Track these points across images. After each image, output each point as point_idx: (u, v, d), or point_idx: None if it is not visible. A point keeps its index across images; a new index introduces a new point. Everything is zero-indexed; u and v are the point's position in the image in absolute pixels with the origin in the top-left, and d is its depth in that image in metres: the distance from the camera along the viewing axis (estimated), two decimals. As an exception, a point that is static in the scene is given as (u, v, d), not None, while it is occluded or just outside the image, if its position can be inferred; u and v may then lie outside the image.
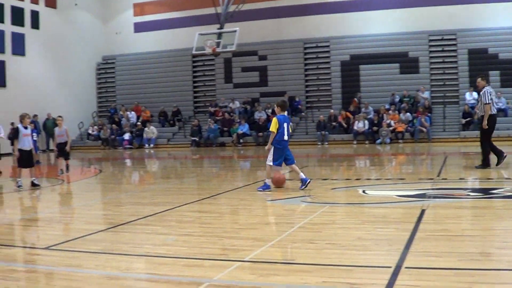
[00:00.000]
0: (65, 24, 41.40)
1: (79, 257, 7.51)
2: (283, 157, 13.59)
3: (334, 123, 34.71)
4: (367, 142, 33.01)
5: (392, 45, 36.49)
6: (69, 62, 41.63)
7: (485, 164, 16.54)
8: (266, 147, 13.92)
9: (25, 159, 16.21)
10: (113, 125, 39.96)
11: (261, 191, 13.29)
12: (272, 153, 13.60)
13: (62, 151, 20.28)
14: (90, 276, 6.59)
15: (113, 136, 39.11)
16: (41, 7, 39.31)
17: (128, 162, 28.72)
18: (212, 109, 39.31)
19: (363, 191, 12.85)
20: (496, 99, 16.90)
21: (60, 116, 21.14)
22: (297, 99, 37.65)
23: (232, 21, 34.89)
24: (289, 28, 39.26)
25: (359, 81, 36.92)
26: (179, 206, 11.62)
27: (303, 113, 37.01)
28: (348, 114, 35.03)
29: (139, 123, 39.53)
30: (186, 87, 42.11)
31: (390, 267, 6.21)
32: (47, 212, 12.44)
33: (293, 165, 13.73)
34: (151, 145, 37.58)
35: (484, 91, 16.29)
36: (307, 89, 38.92)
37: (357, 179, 15.55)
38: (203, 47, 33.88)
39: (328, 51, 38.34)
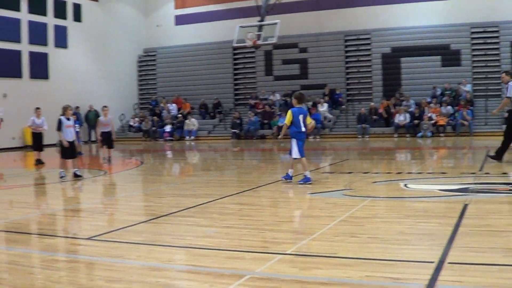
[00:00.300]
0: (107, 16, 41.70)
1: (121, 248, 7.57)
2: (303, 147, 13.67)
3: (374, 116, 34.50)
4: (408, 135, 32.74)
5: (434, 38, 36.12)
6: (111, 54, 41.95)
7: (499, 157, 16.60)
8: (279, 137, 14.70)
9: (68, 150, 16.36)
10: (154, 117, 40.18)
11: (301, 184, 13.24)
12: (294, 146, 13.66)
13: (107, 140, 20.62)
14: (131, 267, 6.64)
15: (154, 128, 39.30)
16: (83, 0, 39.61)
17: (169, 154, 28.86)
18: (252, 102, 39.30)
19: (405, 185, 12.76)
20: None
21: (105, 106, 21.53)
22: (337, 92, 37.48)
23: (273, 13, 34.84)
24: (330, 20, 39.08)
25: (400, 73, 36.61)
26: (220, 198, 11.65)
27: (343, 106, 36.85)
28: (389, 103, 34.76)
29: (180, 115, 39.66)
30: (227, 80, 42.17)
31: (432, 262, 6.16)
32: (89, 202, 12.56)
33: (303, 158, 13.68)
34: (192, 137, 37.70)
35: (509, 85, 16.31)
36: (348, 81, 38.73)
37: (398, 173, 15.45)
38: (243, 39, 33.87)
39: (369, 44, 38.09)
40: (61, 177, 16.20)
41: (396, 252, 6.80)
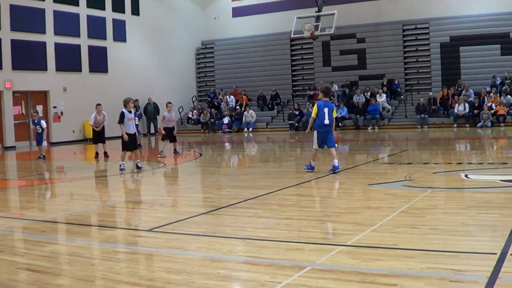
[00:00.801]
0: (164, 10, 41.97)
1: (182, 239, 7.66)
2: (325, 140, 14.16)
3: (434, 106, 34.11)
4: (467, 125, 32.26)
5: (493, 26, 35.48)
6: (169, 47, 42.20)
7: None
8: (306, 131, 15.30)
9: (129, 143, 16.53)
10: (213, 109, 40.35)
11: (305, 169, 14.42)
12: (315, 137, 14.23)
13: (171, 135, 20.96)
14: (192, 258, 6.71)
15: (212, 120, 39.48)
16: (141, -6, 39.95)
17: (227, 145, 28.98)
18: (310, 93, 39.18)
19: (466, 176, 12.62)
20: None
21: (170, 102, 21.96)
22: (396, 82, 37.13)
23: (330, 4, 34.70)
24: (388, 10, 38.75)
25: (459, 63, 36.07)
26: (279, 189, 11.67)
27: (402, 96, 36.46)
28: (448, 91, 34.31)
29: (238, 107, 39.77)
30: (285, 71, 42.08)
31: (495, 253, 6.09)
32: (150, 194, 12.70)
33: (332, 149, 14.23)
34: (250, 129, 37.75)
35: None
36: (406, 71, 38.34)
37: (458, 163, 15.27)
38: (301, 30, 33.82)
39: (427, 33, 37.59)
40: (121, 169, 16.40)
41: (457, 243, 6.73)
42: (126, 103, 16.75)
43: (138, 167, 16.62)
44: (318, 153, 14.46)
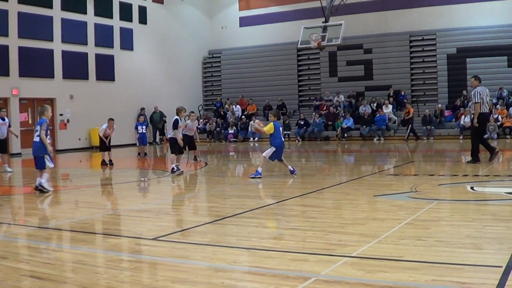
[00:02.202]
0: (171, 19, 42.12)
1: (186, 249, 7.65)
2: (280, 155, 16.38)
3: (440, 118, 34.07)
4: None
5: (500, 38, 35.44)
6: (176, 56, 42.32)
7: (476, 159, 17.81)
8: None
9: (180, 146, 18.45)
10: (219, 119, 40.39)
11: (253, 177, 15.60)
12: (271, 152, 16.12)
13: (191, 143, 21.85)
14: (197, 267, 6.69)
15: (218, 129, 39.51)
16: (148, 3, 40.10)
17: (233, 155, 28.98)
18: (316, 103, 39.22)
19: (471, 188, 12.58)
20: (488, 98, 17.51)
21: (193, 112, 22.59)
22: (402, 93, 37.14)
23: (337, 14, 34.73)
24: (395, 21, 38.79)
25: (466, 74, 35.90)
26: (284, 200, 11.68)
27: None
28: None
29: (244, 116, 39.81)
30: (291, 81, 42.15)
31: (501, 266, 6.07)
32: (155, 203, 12.70)
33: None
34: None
35: (475, 91, 17.50)
36: (413, 83, 38.35)
37: (464, 175, 15.21)
38: (308, 40, 33.84)
39: (434, 44, 37.62)
40: (177, 170, 17.71)
41: (463, 256, 6.70)
42: (179, 111, 18.10)
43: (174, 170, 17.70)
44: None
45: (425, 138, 33.17)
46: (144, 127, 24.54)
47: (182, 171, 17.66)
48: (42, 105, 15.13)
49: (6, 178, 18.72)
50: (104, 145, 22.50)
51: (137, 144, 27.15)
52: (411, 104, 36.44)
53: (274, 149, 16.05)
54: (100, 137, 22.53)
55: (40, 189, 13.93)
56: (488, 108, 18.19)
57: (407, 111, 34.44)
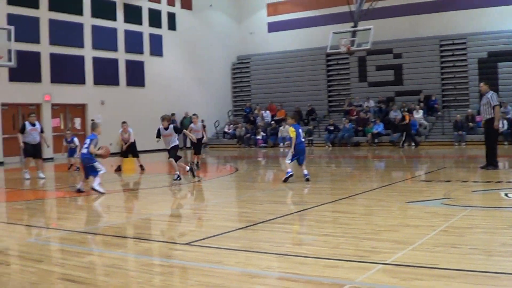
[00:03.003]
0: (200, 25, 42.25)
1: (220, 254, 7.65)
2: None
3: (471, 123, 33.79)
4: (506, 143, 31.85)
5: (532, 41, 35.22)
6: (205, 62, 42.44)
7: (494, 165, 17.82)
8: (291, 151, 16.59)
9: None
10: (248, 124, 40.41)
11: (285, 179, 16.10)
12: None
13: (196, 146, 21.30)
14: (230, 273, 6.71)
15: (248, 135, 39.53)
16: (177, 9, 40.28)
17: (263, 160, 28.97)
18: (346, 108, 39.11)
19: (506, 194, 12.46)
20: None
21: (195, 114, 22.17)
22: (433, 98, 36.88)
23: (366, 19, 34.55)
24: (425, 25, 38.55)
25: (497, 79, 35.60)
26: (317, 205, 11.63)
27: (439, 113, 36.20)
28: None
29: (273, 122, 39.80)
30: (321, 86, 42.06)
31: (538, 274, 6.02)
32: (187, 208, 12.76)
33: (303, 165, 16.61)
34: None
35: (491, 94, 17.24)
36: (443, 87, 38.05)
37: (498, 182, 15.08)
38: (337, 45, 33.70)
39: (465, 48, 37.31)
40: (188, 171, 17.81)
41: (499, 264, 6.63)
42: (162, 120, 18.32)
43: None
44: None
45: (456, 143, 32.90)
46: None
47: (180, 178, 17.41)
48: (93, 121, 16.16)
49: (40, 183, 18.87)
50: (125, 151, 22.64)
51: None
52: (442, 109, 36.22)
53: (293, 151, 16.31)
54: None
55: (96, 190, 14.80)
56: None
57: (403, 118, 34.27)
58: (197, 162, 21.71)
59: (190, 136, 19.09)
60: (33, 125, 20.28)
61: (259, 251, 7.76)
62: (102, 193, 14.73)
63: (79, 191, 15.23)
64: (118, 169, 22.19)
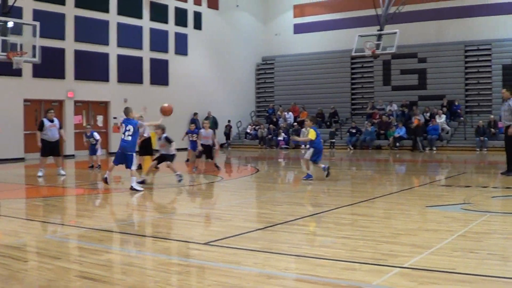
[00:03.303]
0: (226, 25, 42.31)
1: (238, 254, 7.65)
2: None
3: (493, 129, 33.57)
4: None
5: (557, 48, 34.96)
6: (230, 62, 42.52)
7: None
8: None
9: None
10: (271, 125, 40.38)
11: (305, 179, 17.02)
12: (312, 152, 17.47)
13: (208, 152, 20.99)
14: (249, 273, 6.71)
15: (270, 136, 39.51)
16: (203, 8, 40.36)
17: (284, 162, 28.96)
18: (369, 111, 39.01)
19: (526, 201, 12.43)
20: None
21: (207, 118, 22.00)
22: (456, 103, 36.72)
23: (392, 22, 34.45)
24: (450, 30, 38.41)
25: (522, 86, 35.51)
26: (336, 208, 11.62)
27: (462, 118, 36.04)
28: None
29: (295, 123, 39.78)
30: (344, 89, 42.01)
31: (556, 281, 5.99)
32: (206, 208, 12.78)
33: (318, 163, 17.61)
34: (307, 146, 37.57)
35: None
36: (467, 93, 37.88)
37: (518, 188, 15.03)
38: (362, 48, 33.65)
39: (489, 54, 37.14)
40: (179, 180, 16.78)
41: (517, 270, 6.62)
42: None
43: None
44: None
45: (478, 149, 32.72)
46: (195, 135, 24.50)
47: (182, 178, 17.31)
48: (126, 107, 16.25)
49: (60, 180, 18.95)
50: (142, 149, 22.37)
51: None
52: (465, 114, 36.05)
53: (313, 149, 17.38)
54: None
55: (135, 190, 14.86)
56: None
57: (414, 122, 34.22)
58: (215, 164, 21.46)
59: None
60: (52, 121, 20.07)
61: (278, 252, 7.75)
62: (140, 191, 14.75)
63: (105, 180, 15.53)
64: (139, 168, 22.04)
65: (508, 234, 8.78)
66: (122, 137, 15.26)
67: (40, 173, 19.52)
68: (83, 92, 31.83)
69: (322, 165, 17.50)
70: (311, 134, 17.32)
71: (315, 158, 17.39)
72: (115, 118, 33.41)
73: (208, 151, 20.99)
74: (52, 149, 20.11)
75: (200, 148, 20.62)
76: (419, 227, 9.56)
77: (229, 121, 40.77)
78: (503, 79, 35.73)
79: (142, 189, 14.90)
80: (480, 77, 37.33)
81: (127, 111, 15.76)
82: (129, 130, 15.17)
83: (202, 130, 21.23)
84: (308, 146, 18.37)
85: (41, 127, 19.92)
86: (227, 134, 40.74)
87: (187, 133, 22.63)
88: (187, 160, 24.46)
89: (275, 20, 45.97)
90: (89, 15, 32.17)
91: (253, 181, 19.07)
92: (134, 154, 15.08)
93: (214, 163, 21.24)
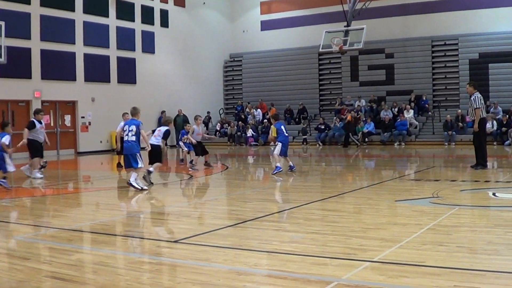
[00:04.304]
0: (193, 22, 42.21)
1: (208, 251, 7.67)
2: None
3: (461, 124, 33.83)
4: (495, 143, 31.96)
5: (523, 43, 35.30)
6: (197, 59, 42.40)
7: (483, 164, 18.05)
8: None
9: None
10: (240, 122, 40.36)
11: (274, 173, 17.71)
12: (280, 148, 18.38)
13: (202, 147, 21.13)
14: (218, 270, 6.71)
15: (239, 133, 39.49)
16: (170, 6, 40.20)
17: (253, 159, 28.96)
18: (338, 107, 39.11)
19: (493, 194, 12.52)
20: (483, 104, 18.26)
21: (200, 116, 22.08)
22: (424, 98, 36.94)
23: (359, 18, 34.58)
24: (417, 26, 38.60)
25: (488, 80, 35.68)
26: (306, 204, 11.66)
27: (429, 113, 36.25)
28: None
29: (265, 120, 39.78)
30: (312, 85, 42.04)
31: (524, 273, 6.05)
32: (176, 206, 12.73)
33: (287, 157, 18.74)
34: (276, 143, 37.59)
35: (475, 96, 17.76)
36: (434, 88, 38.10)
37: (486, 181, 15.13)
38: (329, 45, 33.73)
39: (456, 49, 37.35)
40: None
41: (485, 262, 6.67)
42: (169, 122, 17.67)
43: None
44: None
45: (446, 143, 32.97)
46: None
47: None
48: (134, 107, 15.69)
49: (36, 182, 18.59)
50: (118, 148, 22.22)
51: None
52: (433, 109, 36.28)
53: (281, 144, 18.27)
54: (121, 139, 22.35)
55: (132, 186, 14.70)
56: (485, 113, 18.33)
57: (346, 118, 34.70)
58: (206, 161, 21.49)
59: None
60: (40, 123, 19.56)
61: (248, 248, 7.76)
62: (141, 189, 14.58)
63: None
64: (120, 166, 21.79)
65: (476, 227, 8.86)
66: (126, 139, 15.00)
67: (39, 174, 18.72)
68: (50, 91, 31.53)
69: (291, 163, 18.43)
70: (273, 132, 18.69)
71: (283, 153, 18.29)
72: (82, 117, 33.25)
73: (202, 147, 21.21)
74: (38, 150, 19.20)
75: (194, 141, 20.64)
76: (388, 221, 9.62)
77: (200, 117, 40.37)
78: (470, 74, 36.01)
79: (141, 186, 14.71)
80: (448, 72, 37.58)
81: (135, 111, 15.42)
82: (132, 131, 14.89)
83: (195, 127, 21.29)
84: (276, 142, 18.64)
85: (31, 127, 18.94)
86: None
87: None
88: (181, 160, 24.31)
89: (242, 17, 45.93)
90: (55, 14, 31.87)
91: (223, 178, 19.05)
92: (138, 154, 14.84)
93: (206, 160, 21.40)
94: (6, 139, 15.25)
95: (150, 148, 15.81)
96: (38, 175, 18.75)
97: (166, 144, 18.86)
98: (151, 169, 15.79)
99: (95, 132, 33.82)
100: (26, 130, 18.83)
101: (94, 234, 9.31)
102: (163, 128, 16.51)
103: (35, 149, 18.93)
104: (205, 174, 19.75)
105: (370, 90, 39.01)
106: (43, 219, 11.21)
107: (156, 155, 16.22)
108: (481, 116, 17.73)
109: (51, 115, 32.09)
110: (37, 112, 20.12)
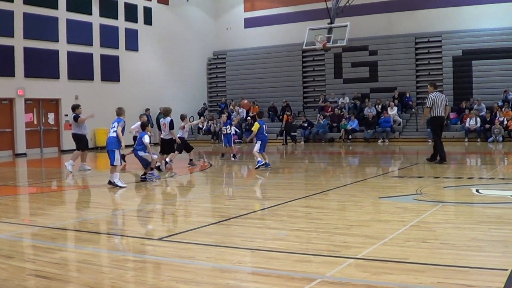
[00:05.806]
0: (177, 20, 42.13)
1: (191, 249, 7.67)
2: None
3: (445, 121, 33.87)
4: (478, 140, 32.10)
5: (506, 40, 35.27)
6: (181, 57, 42.35)
7: (441, 158, 18.94)
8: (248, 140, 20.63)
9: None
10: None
11: (257, 168, 18.56)
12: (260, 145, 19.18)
13: (187, 145, 21.17)
14: (202, 268, 6.72)
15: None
16: (153, 4, 40.10)
17: (237, 156, 28.91)
18: (321, 104, 39.16)
19: (477, 190, 12.57)
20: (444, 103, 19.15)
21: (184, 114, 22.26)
22: (407, 95, 37.06)
23: (343, 15, 34.68)
24: (400, 23, 38.71)
25: (472, 77, 35.92)
26: (290, 201, 11.66)
27: (413, 110, 36.38)
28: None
29: (249, 117, 39.75)
30: (296, 82, 42.12)
31: (506, 269, 6.07)
32: (160, 203, 12.73)
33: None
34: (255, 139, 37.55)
35: (429, 96, 19.01)
36: (418, 85, 38.21)
37: (469, 178, 15.21)
38: (313, 42, 33.80)
39: (440, 46, 37.50)
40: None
41: (468, 258, 6.69)
42: (169, 112, 20.00)
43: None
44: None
45: (430, 140, 33.04)
46: (228, 126, 24.45)
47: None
48: (119, 107, 16.43)
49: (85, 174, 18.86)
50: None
51: (223, 145, 26.46)
52: (417, 106, 36.39)
53: (260, 141, 19.10)
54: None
55: (114, 184, 15.00)
56: (443, 112, 19.03)
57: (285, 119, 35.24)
58: (191, 160, 21.45)
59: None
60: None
61: (231, 246, 7.76)
62: (123, 187, 14.86)
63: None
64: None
65: (459, 224, 8.89)
66: (109, 135, 15.39)
67: (87, 167, 20.77)
68: (33, 89, 31.38)
69: (267, 162, 19.22)
70: (255, 127, 19.40)
71: (262, 150, 19.16)
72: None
73: (187, 144, 21.24)
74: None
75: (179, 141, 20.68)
76: (372, 218, 9.64)
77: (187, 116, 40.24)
78: (454, 71, 36.25)
79: (124, 185, 14.84)
80: (431, 69, 37.74)
81: (120, 111, 16.14)
82: (114, 127, 15.34)
83: (184, 124, 21.33)
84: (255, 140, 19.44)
85: (76, 119, 21.24)
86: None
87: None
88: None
89: (226, 15, 45.91)
90: (38, 11, 31.72)
91: (207, 176, 19.04)
92: (117, 150, 15.01)
93: (190, 158, 21.40)
94: None
95: (179, 142, 20.05)
96: (86, 167, 20.59)
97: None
98: (167, 159, 19.39)
99: (79, 130, 33.61)
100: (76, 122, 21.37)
101: (78, 232, 9.28)
102: (167, 120, 19.38)
103: (82, 141, 21.34)
104: (189, 172, 19.73)
105: (354, 87, 39.10)
106: (26, 217, 11.18)
107: (169, 147, 19.82)
108: (437, 115, 18.66)
109: (34, 113, 31.95)
110: (77, 107, 22.11)
